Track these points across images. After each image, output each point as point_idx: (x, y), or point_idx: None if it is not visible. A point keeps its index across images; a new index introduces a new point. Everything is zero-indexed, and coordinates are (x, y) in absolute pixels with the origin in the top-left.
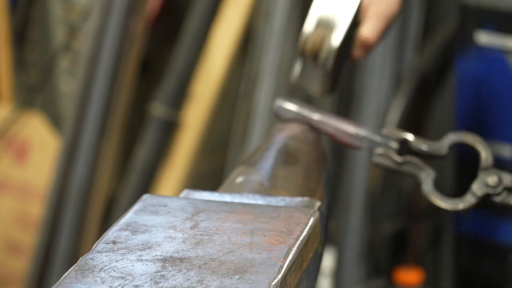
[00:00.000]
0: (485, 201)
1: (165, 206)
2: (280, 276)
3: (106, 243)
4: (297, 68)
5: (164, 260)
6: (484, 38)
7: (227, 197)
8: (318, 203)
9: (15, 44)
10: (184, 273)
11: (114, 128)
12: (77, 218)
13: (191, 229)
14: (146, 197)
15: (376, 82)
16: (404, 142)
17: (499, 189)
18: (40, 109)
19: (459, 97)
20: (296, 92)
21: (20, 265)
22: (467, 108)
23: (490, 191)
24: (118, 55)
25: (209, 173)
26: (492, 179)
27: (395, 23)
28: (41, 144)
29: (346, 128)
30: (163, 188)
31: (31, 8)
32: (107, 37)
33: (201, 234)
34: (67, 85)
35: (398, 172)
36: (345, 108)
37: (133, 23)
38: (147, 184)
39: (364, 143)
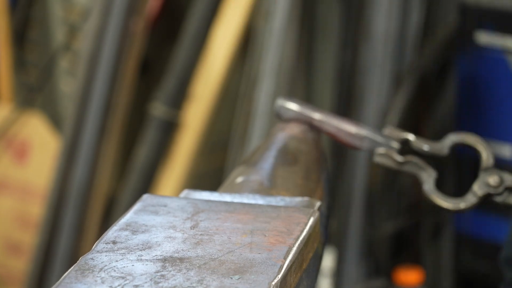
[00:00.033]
0: (486, 201)
1: (165, 206)
2: (280, 276)
3: (106, 243)
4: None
5: (164, 260)
6: (484, 38)
7: (227, 197)
8: (318, 203)
9: (15, 44)
10: (184, 273)
11: (114, 128)
12: (77, 218)
13: (191, 229)
14: (146, 197)
15: (376, 82)
16: (405, 142)
17: (500, 189)
18: (40, 109)
19: (459, 97)
20: (296, 92)
21: (20, 265)
22: (467, 108)
23: (492, 191)
24: (118, 55)
25: (209, 173)
26: (493, 179)
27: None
28: (41, 144)
29: (347, 128)
30: (163, 188)
31: (31, 8)
32: (107, 37)
33: (201, 234)
34: (67, 85)
35: (399, 172)
36: (345, 108)
37: (133, 23)
38: (147, 184)
39: (365, 143)
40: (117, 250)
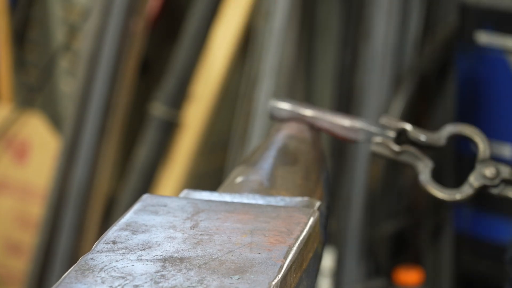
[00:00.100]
0: (482, 193)
1: (165, 206)
2: (280, 276)
3: (106, 243)
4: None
5: (164, 260)
6: (484, 38)
7: (227, 197)
8: (317, 203)
9: (15, 44)
10: (184, 273)
11: (114, 128)
12: (77, 218)
13: (191, 229)
14: (146, 197)
15: (376, 82)
16: (402, 132)
17: (496, 181)
18: (40, 109)
19: (459, 97)
20: (296, 92)
21: (20, 265)
22: (467, 108)
23: (488, 182)
24: (118, 55)
25: (209, 173)
26: (489, 171)
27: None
28: (41, 144)
29: (341, 121)
30: (163, 188)
31: (31, 8)
32: (107, 37)
33: (201, 234)
34: (67, 85)
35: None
36: (345, 107)
37: (133, 23)
38: (147, 184)
39: (360, 135)
40: (117, 250)
